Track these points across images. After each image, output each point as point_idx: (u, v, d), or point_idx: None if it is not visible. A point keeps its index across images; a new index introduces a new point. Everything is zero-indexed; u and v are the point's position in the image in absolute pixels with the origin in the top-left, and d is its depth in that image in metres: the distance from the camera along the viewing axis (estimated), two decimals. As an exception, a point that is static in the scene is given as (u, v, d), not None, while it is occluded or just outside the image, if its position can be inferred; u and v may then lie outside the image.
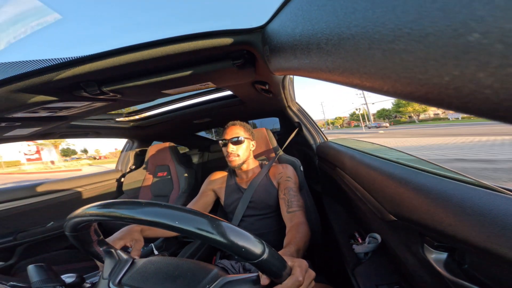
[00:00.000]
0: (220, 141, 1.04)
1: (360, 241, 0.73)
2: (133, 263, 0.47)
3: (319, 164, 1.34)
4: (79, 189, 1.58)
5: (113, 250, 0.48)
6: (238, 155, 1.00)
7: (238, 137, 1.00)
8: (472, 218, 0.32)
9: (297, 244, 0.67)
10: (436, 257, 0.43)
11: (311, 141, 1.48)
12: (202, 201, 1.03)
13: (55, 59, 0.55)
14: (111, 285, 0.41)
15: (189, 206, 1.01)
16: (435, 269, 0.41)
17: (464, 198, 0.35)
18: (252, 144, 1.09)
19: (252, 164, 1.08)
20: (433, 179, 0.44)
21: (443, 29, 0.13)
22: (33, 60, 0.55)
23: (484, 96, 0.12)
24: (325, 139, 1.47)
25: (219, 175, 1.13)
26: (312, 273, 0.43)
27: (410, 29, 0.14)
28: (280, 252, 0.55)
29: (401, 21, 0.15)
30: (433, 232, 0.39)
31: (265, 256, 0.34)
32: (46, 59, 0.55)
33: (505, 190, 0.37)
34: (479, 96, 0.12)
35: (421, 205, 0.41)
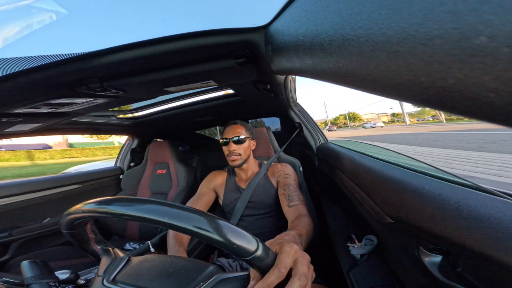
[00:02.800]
0: (221, 140, 1.04)
1: (357, 243, 0.74)
2: (128, 260, 0.47)
3: (319, 165, 1.34)
4: (77, 186, 1.57)
5: (110, 248, 0.48)
6: (240, 155, 1.00)
7: (239, 136, 1.00)
8: (468, 222, 0.32)
9: (299, 230, 0.61)
10: (431, 260, 0.43)
11: (312, 142, 1.48)
12: (203, 201, 1.03)
13: (58, 55, 0.55)
14: (105, 282, 0.41)
15: (189, 204, 1.00)
16: (429, 272, 0.42)
17: (461, 202, 0.35)
18: (252, 143, 1.09)
19: (252, 164, 1.08)
20: (431, 182, 0.44)
21: (449, 32, 0.13)
22: (36, 56, 0.54)
23: (488, 100, 0.12)
24: (326, 140, 1.47)
25: (219, 175, 1.13)
26: (303, 256, 0.36)
27: (416, 31, 0.14)
28: (279, 236, 0.53)
29: (407, 23, 0.15)
30: (429, 235, 0.39)
31: (258, 253, 0.33)
32: (49, 55, 0.54)
33: (500, 193, 0.37)
34: (483, 100, 0.13)
35: (418, 208, 0.41)
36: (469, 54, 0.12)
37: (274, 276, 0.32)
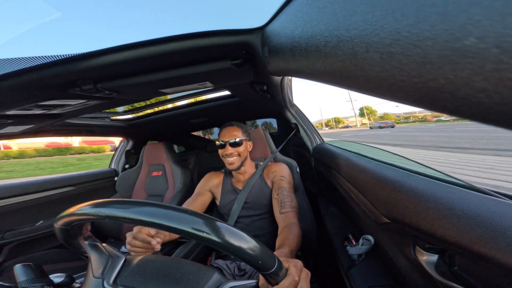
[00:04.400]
0: (217, 142, 1.03)
1: (354, 243, 0.74)
2: (126, 261, 0.45)
3: (315, 166, 1.35)
4: (71, 188, 1.55)
5: (99, 244, 0.46)
6: (237, 158, 0.99)
7: (236, 139, 0.98)
8: (461, 221, 0.32)
9: (290, 245, 0.68)
10: (427, 259, 0.43)
11: (308, 143, 1.49)
12: (199, 202, 1.02)
13: (51, 56, 0.54)
14: (105, 285, 0.39)
15: (185, 206, 1.00)
16: (426, 271, 0.42)
17: (455, 201, 0.36)
18: (249, 145, 1.09)
19: (248, 165, 1.08)
20: (426, 182, 0.45)
21: (440, 33, 0.13)
22: (28, 57, 0.53)
23: (477, 100, 0.13)
24: (322, 141, 1.48)
25: (215, 176, 1.12)
26: (307, 272, 0.44)
27: (408, 32, 0.15)
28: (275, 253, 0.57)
29: (400, 24, 0.15)
30: (425, 234, 0.39)
31: (275, 267, 0.35)
32: (42, 56, 0.54)
33: (493, 193, 0.38)
34: (473, 100, 0.13)
35: (414, 208, 0.41)
36: (459, 55, 0.12)
37: (288, 282, 0.38)
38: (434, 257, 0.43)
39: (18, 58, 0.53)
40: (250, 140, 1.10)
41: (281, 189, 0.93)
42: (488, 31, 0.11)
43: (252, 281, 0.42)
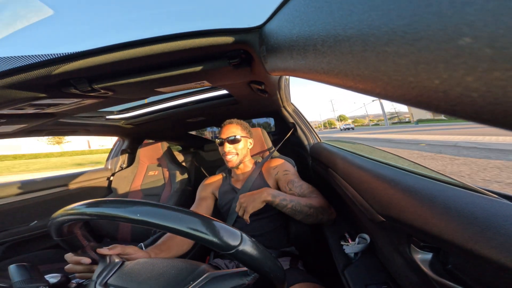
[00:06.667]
0: (216, 140, 1.03)
1: (350, 242, 0.75)
2: (122, 264, 0.47)
3: (312, 165, 1.35)
4: (65, 188, 1.53)
5: (106, 255, 0.49)
6: (235, 155, 0.99)
7: (234, 136, 0.98)
8: (455, 219, 0.33)
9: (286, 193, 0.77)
10: (422, 257, 0.44)
11: (305, 142, 1.49)
12: (204, 206, 1.01)
13: (45, 55, 0.53)
14: (97, 286, 0.41)
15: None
16: (421, 269, 0.42)
17: (449, 200, 0.36)
18: (250, 142, 1.08)
19: (248, 164, 1.08)
20: (421, 181, 0.45)
21: (435, 33, 0.13)
22: (21, 56, 0.52)
23: (471, 100, 0.13)
24: (319, 140, 1.49)
25: (214, 177, 1.13)
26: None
27: (404, 32, 0.15)
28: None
29: (396, 24, 0.15)
30: (419, 233, 0.40)
31: (241, 246, 0.33)
32: (35, 55, 0.53)
33: (486, 192, 0.38)
34: (466, 100, 0.13)
35: (409, 206, 0.42)
36: (453, 54, 0.12)
37: None
38: (429, 255, 0.43)
39: (10, 56, 0.52)
40: (251, 138, 1.09)
41: (291, 182, 0.92)
42: (482, 31, 0.11)
43: (237, 270, 0.42)
